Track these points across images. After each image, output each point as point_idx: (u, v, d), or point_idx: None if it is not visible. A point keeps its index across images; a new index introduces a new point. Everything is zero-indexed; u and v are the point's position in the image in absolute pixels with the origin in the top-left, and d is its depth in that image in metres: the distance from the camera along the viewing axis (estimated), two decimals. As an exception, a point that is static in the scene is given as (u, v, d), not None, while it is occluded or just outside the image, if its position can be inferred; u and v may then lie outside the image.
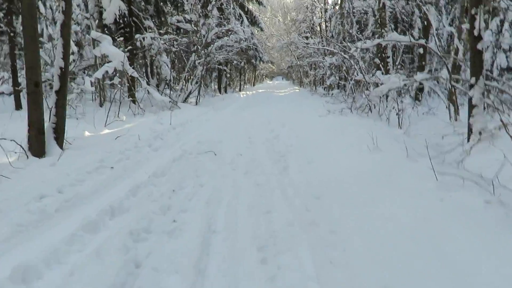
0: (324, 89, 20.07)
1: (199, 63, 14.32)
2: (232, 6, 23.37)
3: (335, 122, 8.22)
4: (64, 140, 5.34)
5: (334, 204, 3.30)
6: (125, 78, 10.48)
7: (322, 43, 22.24)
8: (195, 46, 13.60)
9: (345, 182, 3.88)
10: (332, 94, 19.61)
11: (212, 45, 16.15)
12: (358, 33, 20.31)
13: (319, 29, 29.87)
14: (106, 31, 11.59)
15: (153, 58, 12.63)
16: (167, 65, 13.10)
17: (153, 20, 13.58)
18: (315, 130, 7.34)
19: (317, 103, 13.91)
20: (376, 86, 11.29)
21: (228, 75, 25.27)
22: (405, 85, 9.78)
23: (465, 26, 6.62)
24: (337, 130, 7.00)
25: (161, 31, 12.33)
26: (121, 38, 11.84)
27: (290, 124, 8.35)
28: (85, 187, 3.66)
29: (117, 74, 9.92)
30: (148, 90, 10.59)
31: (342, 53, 11.93)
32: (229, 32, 20.80)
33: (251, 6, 26.20)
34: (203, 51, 13.98)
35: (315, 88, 28.86)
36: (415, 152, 4.75)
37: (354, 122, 8.03)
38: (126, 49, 11.59)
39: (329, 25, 24.47)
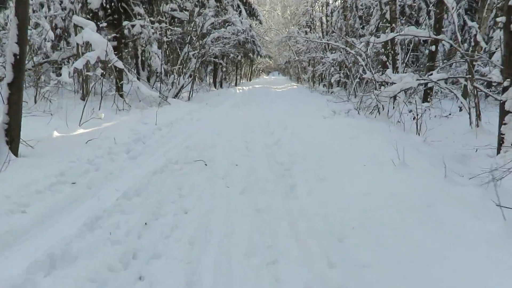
0: (324, 86, 19.15)
1: (193, 55, 13.32)
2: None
3: (343, 125, 7.31)
4: (22, 143, 4.37)
5: (365, 254, 2.38)
6: (111, 69, 9.48)
7: (324, 38, 21.28)
8: (189, 37, 12.58)
9: (373, 215, 2.96)
10: (332, 92, 18.75)
11: (207, 36, 15.14)
12: (362, 28, 19.41)
13: (319, 23, 28.91)
14: (92, 17, 10.55)
15: (143, 48, 11.59)
16: (158, 56, 12.07)
17: (144, 7, 12.53)
18: (322, 135, 6.42)
19: (319, 102, 13.00)
20: (383, 85, 10.41)
21: (224, 69, 24.23)
22: (419, 85, 8.89)
23: (501, 19, 5.72)
24: (348, 136, 6.09)
25: (152, 18, 11.28)
26: (107, 25, 10.79)
27: (292, 127, 7.42)
28: (25, 218, 2.70)
29: (100, 65, 8.90)
30: (135, 83, 9.58)
31: (348, 49, 10.99)
32: (226, 24, 19.79)
33: (249, -2, 25.10)
34: (198, 43, 12.96)
35: (314, 85, 27.95)
36: (450, 168, 3.84)
37: (365, 126, 7.13)
38: (112, 37, 10.57)
39: (330, 19, 23.51)
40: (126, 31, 10.80)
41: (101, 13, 12.06)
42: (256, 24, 25.49)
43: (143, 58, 12.95)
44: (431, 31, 7.13)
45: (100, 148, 4.70)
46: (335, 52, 14.43)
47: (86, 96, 9.80)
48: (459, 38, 7.64)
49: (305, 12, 32.60)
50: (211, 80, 23.83)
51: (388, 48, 12.25)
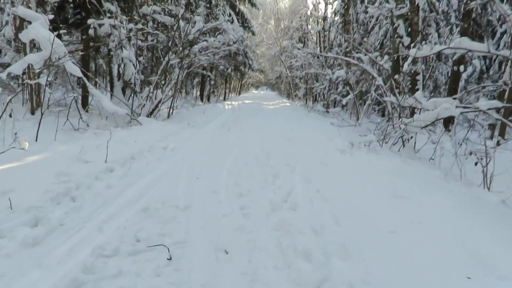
0: (324, 106, 17.30)
1: (177, 64, 11.26)
2: (222, 4, 20.49)
3: (372, 167, 5.31)
4: None
5: None
6: (67, 76, 7.33)
7: (322, 53, 19.55)
8: (171, 42, 10.54)
9: None
10: (328, 111, 16.89)
11: (195, 44, 13.14)
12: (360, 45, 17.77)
13: (315, 38, 27.37)
14: (49, 13, 8.43)
15: (111, 52, 9.48)
16: (133, 64, 9.95)
17: (120, 5, 10.50)
18: (351, 185, 4.39)
19: (322, 125, 11.05)
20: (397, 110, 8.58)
21: (213, 82, 22.23)
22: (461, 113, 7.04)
23: None
24: (391, 191, 4.07)
25: (124, 17, 9.21)
26: (71, 24, 8.68)
27: (302, 165, 5.38)
28: None
29: (46, 70, 6.75)
30: (96, 96, 7.46)
31: (363, 65, 9.13)
32: (217, 33, 17.86)
33: (242, 8, 23.38)
34: (182, 52, 10.93)
35: (309, 102, 26.16)
36: None
37: (403, 170, 5.14)
38: (79, 39, 8.48)
39: (328, 34, 21.88)
40: (92, 32, 8.69)
41: (69, 8, 10.04)
42: (248, 36, 23.70)
43: (119, 66, 10.82)
44: (491, 45, 5.30)
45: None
46: (339, 69, 12.63)
47: (39, 109, 7.61)
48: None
49: (299, 27, 31.13)
50: (198, 93, 21.78)
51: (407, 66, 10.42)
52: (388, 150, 6.92)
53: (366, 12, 19.86)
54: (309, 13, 29.45)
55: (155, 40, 12.12)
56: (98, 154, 4.54)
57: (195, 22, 11.85)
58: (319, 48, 22.08)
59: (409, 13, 10.26)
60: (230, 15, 21.15)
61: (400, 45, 13.12)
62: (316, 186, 4.39)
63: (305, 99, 29.01)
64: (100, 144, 5.24)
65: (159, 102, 9.56)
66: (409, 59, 7.12)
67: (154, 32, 10.64)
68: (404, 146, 7.54)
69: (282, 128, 10.06)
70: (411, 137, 7.57)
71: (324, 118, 14.37)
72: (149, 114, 9.20)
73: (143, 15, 12.61)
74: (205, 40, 14.19)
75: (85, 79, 7.37)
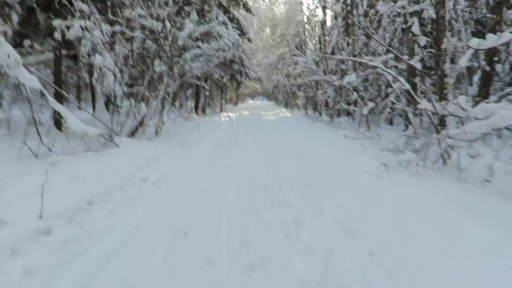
0: (330, 116, 15.86)
1: (166, 73, 9.79)
2: (215, 10, 19.17)
3: (429, 203, 3.80)
4: None
5: None
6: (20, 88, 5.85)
7: (323, 59, 18.20)
8: (156, 48, 9.10)
9: None
10: (332, 121, 15.45)
11: (187, 51, 11.73)
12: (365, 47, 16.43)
13: (314, 44, 26.10)
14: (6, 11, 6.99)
15: (82, 58, 7.98)
16: (113, 74, 8.44)
17: (96, 6, 9.07)
18: (417, 237, 2.89)
19: (335, 139, 9.56)
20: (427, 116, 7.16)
21: (207, 93, 20.79)
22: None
23: None
24: (498, 252, 2.58)
25: (97, 16, 7.74)
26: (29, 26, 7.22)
27: (331, 202, 3.88)
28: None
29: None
30: (60, 112, 5.95)
31: (387, 70, 7.69)
32: (209, 38, 16.46)
33: (236, 13, 22.09)
34: (170, 58, 9.47)
35: (310, 112, 24.75)
36: None
37: (470, 206, 3.65)
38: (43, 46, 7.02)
39: (329, 39, 20.57)
40: (60, 35, 7.21)
41: (40, 16, 8.68)
42: (244, 41, 22.35)
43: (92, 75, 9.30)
44: None
45: None
46: (345, 74, 11.22)
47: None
48: None
49: (296, 33, 29.92)
50: (193, 105, 20.32)
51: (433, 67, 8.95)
52: (432, 171, 5.42)
53: (366, 16, 18.64)
54: (305, 19, 28.30)
55: (140, 48, 10.67)
56: (34, 204, 3.01)
57: (180, 23, 10.44)
58: (319, 54, 20.72)
59: (432, 5, 8.84)
60: (224, 23, 19.85)
61: (416, 45, 11.78)
62: (366, 243, 2.87)
63: (305, 108, 27.64)
64: (50, 180, 3.69)
65: (144, 117, 8.04)
66: (468, 53, 5.66)
67: (137, 35, 9.17)
68: (444, 164, 6.06)
69: (290, 144, 8.55)
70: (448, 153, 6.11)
71: (332, 129, 12.91)
72: (131, 134, 7.68)
73: (127, 20, 11.20)
74: (198, 47, 12.77)
75: (45, 91, 5.86)
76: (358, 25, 12.09)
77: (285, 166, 5.82)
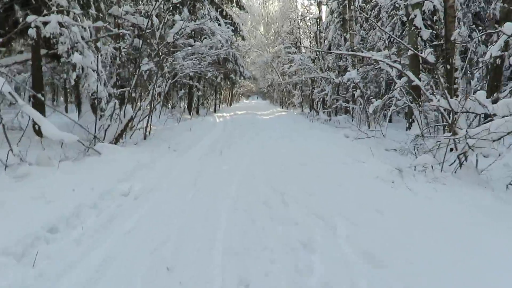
0: (327, 114, 15.28)
1: (156, 73, 9.13)
2: (207, 7, 18.53)
3: (461, 220, 3.22)
4: None
5: None
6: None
7: (320, 55, 17.61)
8: (142, 43, 8.45)
9: None
10: (329, 119, 14.86)
11: (176, 48, 11.08)
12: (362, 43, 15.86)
13: (309, 40, 25.51)
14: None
15: (61, 58, 7.31)
16: (98, 75, 7.77)
17: (79, 1, 8.40)
18: (465, 270, 2.30)
19: (336, 139, 8.97)
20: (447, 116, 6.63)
21: (200, 93, 20.11)
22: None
23: None
24: None
25: (76, 11, 7.07)
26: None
27: (343, 218, 3.27)
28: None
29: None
30: (32, 116, 5.30)
31: (392, 64, 7.09)
32: (203, 37, 15.79)
33: (229, 11, 21.43)
34: (159, 54, 8.82)
35: (306, 110, 24.19)
36: None
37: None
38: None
39: (325, 35, 19.98)
40: (34, 33, 6.53)
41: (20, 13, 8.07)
42: (237, 39, 21.70)
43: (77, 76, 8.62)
44: None
45: None
46: (343, 71, 10.65)
47: None
48: None
49: (291, 31, 29.31)
50: (186, 105, 19.63)
51: (444, 60, 8.37)
52: (451, 176, 4.83)
53: (363, 12, 18.09)
54: (300, 14, 27.68)
55: (128, 46, 10.02)
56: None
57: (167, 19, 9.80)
58: (317, 50, 20.12)
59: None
60: (217, 18, 19.18)
61: (419, 39, 11.21)
62: (398, 278, 2.26)
63: (301, 107, 27.04)
64: (6, 202, 3.05)
65: (130, 121, 7.38)
66: (501, 40, 5.02)
67: (123, 33, 8.52)
68: (461, 166, 5.48)
69: (289, 146, 7.94)
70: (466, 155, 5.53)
71: (332, 128, 12.32)
72: (115, 140, 7.01)
73: (114, 17, 10.55)
74: (190, 45, 12.12)
75: (15, 94, 5.20)
76: (359, 15, 11.46)
77: (285, 174, 5.21)
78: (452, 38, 7.55)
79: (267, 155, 6.82)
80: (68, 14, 7.05)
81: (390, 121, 13.82)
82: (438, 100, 5.90)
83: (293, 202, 3.85)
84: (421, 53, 7.26)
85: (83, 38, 7.46)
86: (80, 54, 7.01)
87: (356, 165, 5.55)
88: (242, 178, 4.98)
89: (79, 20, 7.39)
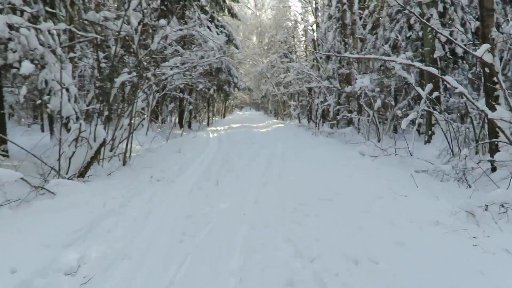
0: (332, 127, 13.95)
1: (138, 87, 7.72)
2: (197, 15, 17.26)
3: None
4: None
5: None
6: None
7: (317, 62, 16.37)
8: (115, 48, 7.07)
9: None
10: (332, 132, 13.53)
11: (161, 56, 9.73)
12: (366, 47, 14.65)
13: (305, 48, 24.36)
14: None
15: (5, 67, 5.88)
16: (66, 90, 6.32)
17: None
18: None
19: (352, 158, 7.60)
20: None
21: (191, 107, 18.71)
22: None
23: None
24: None
25: (28, 8, 5.68)
26: None
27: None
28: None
29: None
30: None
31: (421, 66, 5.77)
32: (193, 45, 14.46)
33: (222, 20, 20.20)
34: (138, 64, 7.42)
35: (303, 121, 22.89)
36: None
37: None
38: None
39: (323, 41, 18.79)
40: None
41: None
42: (230, 48, 20.43)
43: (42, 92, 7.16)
44: None
45: None
46: (361, 76, 9.34)
47: None
48: None
49: (285, 40, 28.20)
50: (177, 120, 18.18)
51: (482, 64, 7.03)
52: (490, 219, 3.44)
53: (361, 18, 16.98)
54: (294, 24, 26.63)
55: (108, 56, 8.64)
56: None
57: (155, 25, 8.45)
58: (314, 58, 18.91)
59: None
60: (208, 28, 17.91)
61: (436, 41, 9.97)
62: None
63: (298, 118, 25.76)
64: None
65: (102, 145, 5.92)
66: None
67: (97, 37, 7.13)
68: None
69: (299, 171, 6.52)
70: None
71: (339, 143, 10.97)
72: (84, 169, 5.53)
73: (90, 23, 9.18)
74: (176, 51, 10.78)
75: None
76: (369, 17, 10.25)
77: (306, 217, 3.78)
78: (491, 36, 6.27)
79: (275, 185, 5.39)
80: (22, 15, 5.66)
81: (395, 131, 12.56)
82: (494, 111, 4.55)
83: (335, 282, 2.42)
84: (474, 51, 5.92)
85: (49, 45, 6.08)
86: (37, 64, 5.59)
87: (399, 201, 4.15)
88: (250, 228, 3.54)
89: (37, 22, 6.00)
